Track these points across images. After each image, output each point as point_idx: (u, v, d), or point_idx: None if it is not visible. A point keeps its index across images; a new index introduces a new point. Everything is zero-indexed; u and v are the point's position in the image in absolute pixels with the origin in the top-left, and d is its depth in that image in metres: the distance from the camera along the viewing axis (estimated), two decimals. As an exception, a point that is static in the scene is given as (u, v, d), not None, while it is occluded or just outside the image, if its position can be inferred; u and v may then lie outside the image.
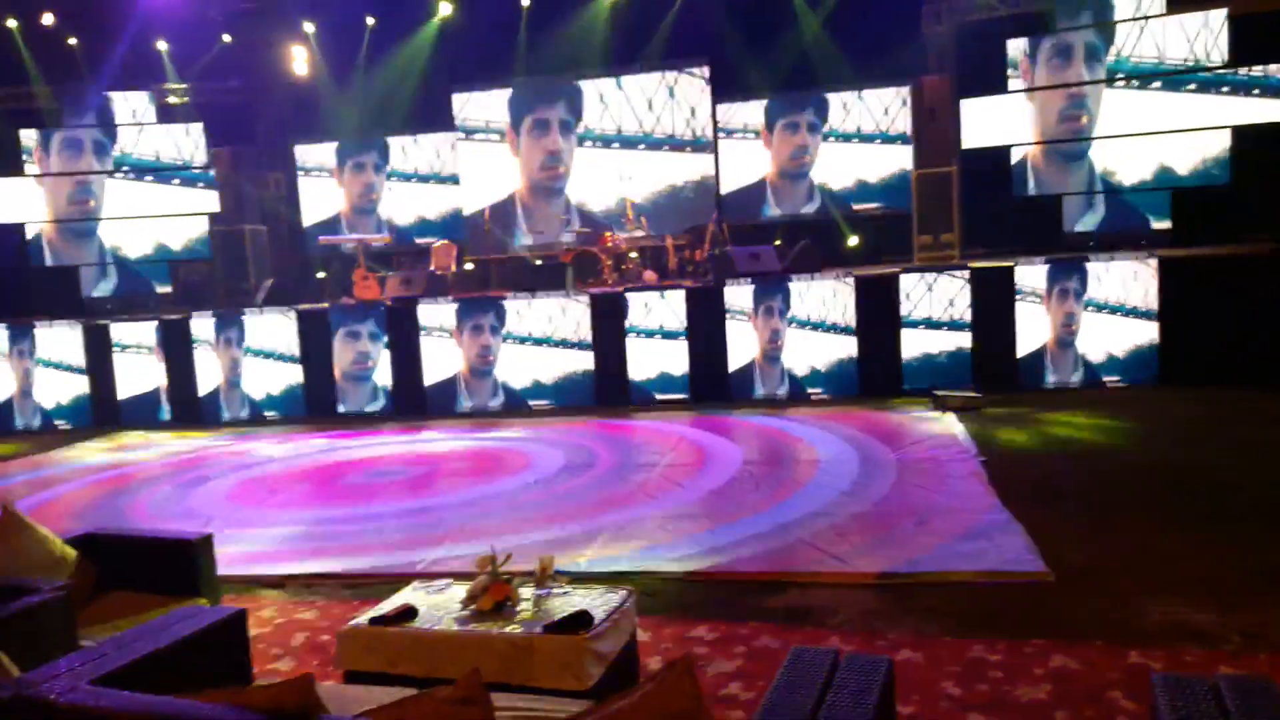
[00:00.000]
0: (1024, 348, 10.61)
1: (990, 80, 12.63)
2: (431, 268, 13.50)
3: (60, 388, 12.69)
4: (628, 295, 11.39)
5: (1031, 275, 10.60)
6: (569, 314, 11.47)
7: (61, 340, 12.65)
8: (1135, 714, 3.81)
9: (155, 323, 12.59)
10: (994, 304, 10.63)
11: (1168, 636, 4.48)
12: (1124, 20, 11.78)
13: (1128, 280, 10.39)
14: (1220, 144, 11.46)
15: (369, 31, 15.39)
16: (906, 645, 4.56)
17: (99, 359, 12.58)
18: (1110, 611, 4.81)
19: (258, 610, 5.54)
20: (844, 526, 6.43)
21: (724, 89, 14.62)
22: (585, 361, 11.51)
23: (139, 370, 12.54)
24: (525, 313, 11.58)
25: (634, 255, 13.02)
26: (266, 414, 12.29)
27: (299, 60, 15.54)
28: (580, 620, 3.74)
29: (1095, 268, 10.50)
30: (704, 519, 6.84)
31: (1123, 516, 6.29)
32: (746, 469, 8.15)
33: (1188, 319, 10.20)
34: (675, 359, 11.29)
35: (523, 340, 11.61)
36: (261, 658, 4.83)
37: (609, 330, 11.44)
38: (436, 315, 11.77)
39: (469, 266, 14.51)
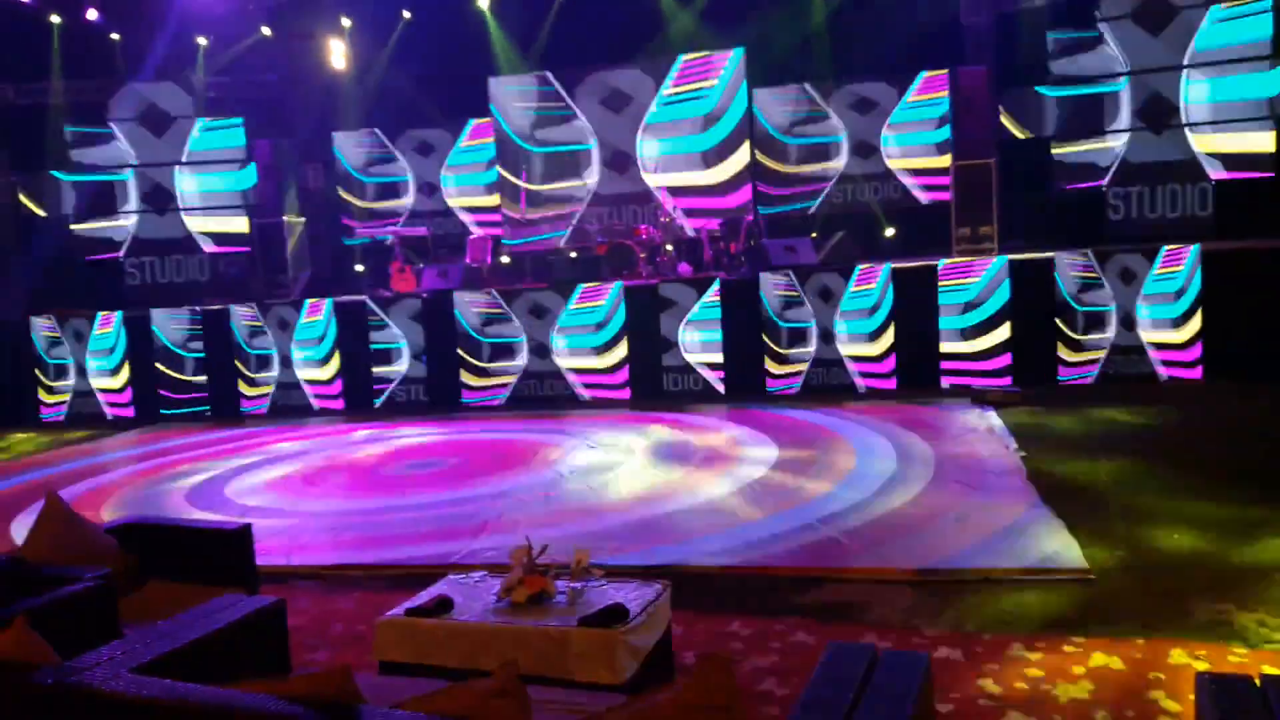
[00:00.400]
0: (1065, 341, 10.48)
1: (1031, 71, 12.47)
2: (467, 260, 13.54)
3: (99, 378, 12.88)
4: (663, 287, 11.38)
5: (1071, 267, 10.47)
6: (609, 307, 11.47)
7: (103, 331, 12.83)
8: (1178, 715, 3.75)
9: (195, 313, 12.73)
10: (1033, 296, 10.51)
11: (1212, 635, 4.41)
12: (1166, 8, 11.59)
13: (1170, 272, 10.23)
14: (1265, 136, 11.25)
15: (404, 24, 15.43)
16: (945, 642, 4.52)
17: (142, 350, 12.74)
18: (1152, 609, 4.74)
19: (295, 601, 5.57)
20: (881, 521, 6.38)
21: (757, 77, 14.49)
22: (621, 353, 11.51)
23: (179, 361, 12.69)
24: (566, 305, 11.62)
25: (669, 248, 12.99)
26: (307, 405, 12.39)
27: (336, 53, 15.61)
28: (615, 614, 3.74)
29: (1136, 259, 10.34)
30: (738, 513, 6.82)
31: (1166, 513, 6.19)
32: (782, 462, 8.11)
33: (1231, 312, 10.01)
34: (710, 351, 11.26)
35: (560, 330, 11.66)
36: (299, 648, 4.86)
37: (645, 322, 11.42)
38: (473, 306, 11.83)
39: (505, 259, 14.53)
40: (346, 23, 15.58)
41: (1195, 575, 5.12)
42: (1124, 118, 12.04)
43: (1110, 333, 10.40)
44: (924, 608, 4.98)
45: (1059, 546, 5.64)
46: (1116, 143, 12.14)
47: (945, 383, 10.63)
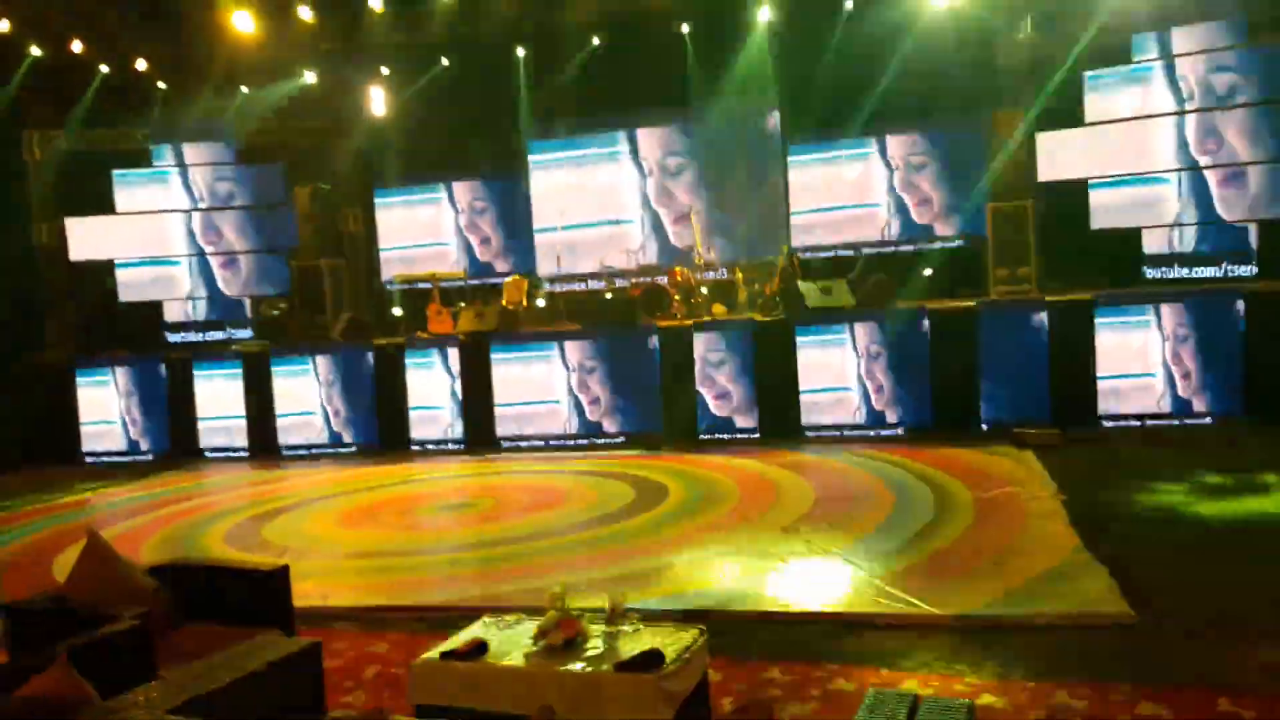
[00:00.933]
0: (1104, 383, 10.36)
1: (1066, 113, 12.44)
2: (503, 302, 13.63)
3: (143, 419, 13.04)
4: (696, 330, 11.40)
5: (1112, 309, 10.37)
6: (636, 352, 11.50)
7: (145, 373, 13.02)
8: (1230, 766, 3.66)
9: (235, 357, 12.90)
10: (1073, 338, 10.41)
11: (1261, 684, 4.30)
12: (1201, 51, 11.54)
13: (1211, 314, 10.11)
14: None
15: (443, 73, 15.69)
16: (987, 689, 4.43)
17: (181, 392, 12.91)
18: (1199, 657, 4.64)
19: (331, 642, 5.57)
20: (920, 566, 6.30)
21: (795, 122, 14.58)
22: (654, 395, 11.50)
23: (219, 403, 12.83)
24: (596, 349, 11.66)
25: (704, 290, 13.01)
26: (341, 447, 12.47)
27: (377, 101, 15.87)
28: (651, 659, 3.70)
29: (1175, 303, 10.23)
30: (774, 558, 6.75)
31: (1211, 557, 6.07)
32: (819, 506, 8.04)
33: (1274, 353, 9.87)
34: (743, 393, 11.24)
35: (591, 372, 11.68)
36: (334, 690, 4.85)
37: (678, 365, 11.43)
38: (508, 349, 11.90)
39: (540, 302, 14.61)
40: (385, 71, 15.85)
41: (1245, 622, 5.00)
42: (1163, 158, 11.95)
43: (1156, 372, 10.27)
44: (965, 654, 4.90)
45: (1102, 590, 5.53)
46: (1156, 184, 12.06)
47: (983, 424, 10.54)
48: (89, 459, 13.10)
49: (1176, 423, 10.18)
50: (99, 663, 3.39)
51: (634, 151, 14.93)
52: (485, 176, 15.85)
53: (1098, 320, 10.38)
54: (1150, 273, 12.05)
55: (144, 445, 13.10)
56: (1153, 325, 10.32)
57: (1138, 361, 10.31)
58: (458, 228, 15.94)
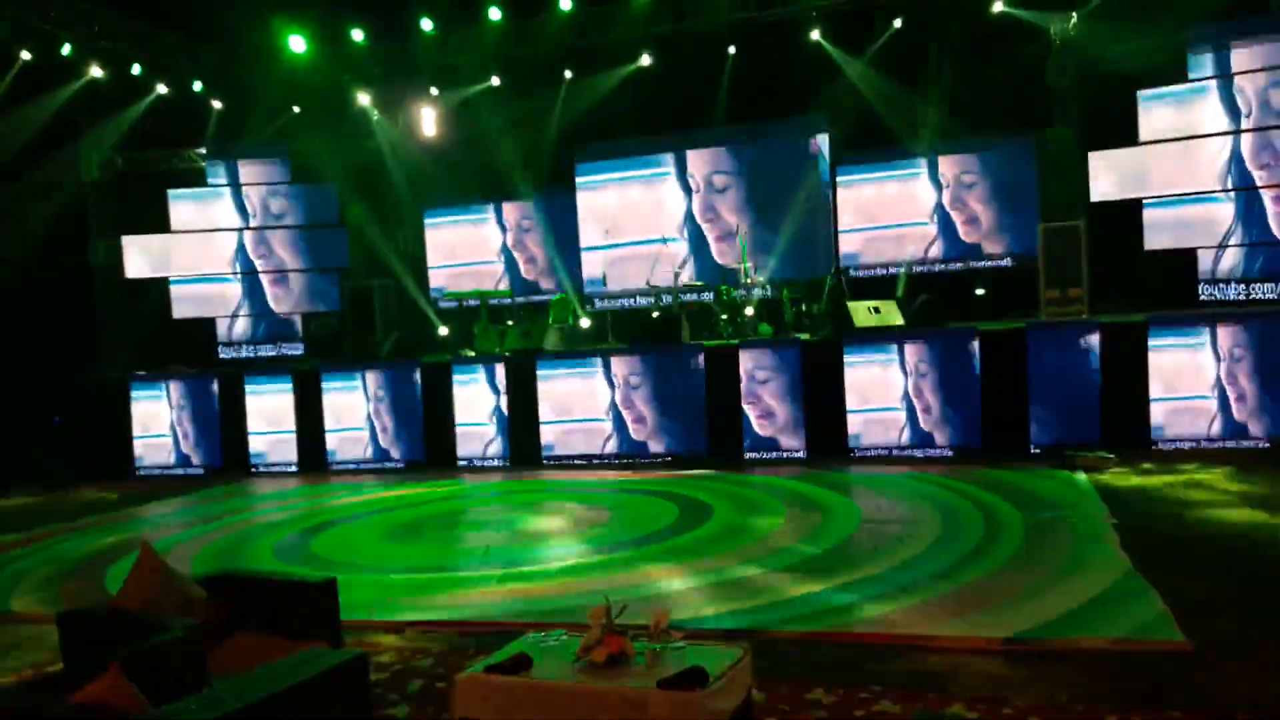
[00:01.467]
0: (1158, 405, 10.19)
1: (1119, 131, 12.30)
2: (550, 320, 13.70)
3: (195, 434, 13.26)
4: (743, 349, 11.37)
5: (1164, 330, 10.21)
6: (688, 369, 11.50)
7: (197, 389, 13.24)
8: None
9: (288, 374, 13.08)
10: (1125, 360, 10.27)
11: (1323, 716, 4.19)
12: (1252, 70, 11.36)
13: (1268, 335, 9.91)
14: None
15: (493, 94, 15.88)
16: (1035, 714, 4.36)
17: (233, 408, 13.11)
18: (1254, 686, 4.53)
19: (376, 655, 5.62)
20: (969, 589, 6.22)
21: (844, 142, 14.60)
22: (699, 414, 11.49)
23: (270, 419, 13.01)
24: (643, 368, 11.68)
25: (748, 309, 13.00)
26: (388, 462, 12.58)
27: (428, 121, 16.06)
28: (695, 677, 3.68)
29: (1230, 324, 10.06)
30: (822, 577, 6.70)
31: (1265, 585, 5.93)
32: (867, 527, 7.98)
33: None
34: (789, 412, 11.19)
35: (636, 389, 11.70)
36: (379, 703, 4.89)
37: (724, 383, 11.41)
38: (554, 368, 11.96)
39: (585, 322, 14.67)
40: (435, 91, 16.05)
41: (1303, 651, 4.89)
42: (1215, 178, 11.77)
43: (1210, 394, 10.08)
44: (1013, 679, 4.82)
45: (1154, 616, 5.43)
46: (1210, 204, 11.87)
47: (1034, 446, 10.41)
48: (141, 473, 13.33)
49: (1232, 444, 9.99)
50: (150, 671, 3.44)
51: (681, 170, 14.99)
52: (532, 196, 15.97)
53: (1151, 342, 10.23)
54: (1205, 292, 11.86)
55: (195, 459, 13.31)
56: (1207, 347, 10.15)
57: (1192, 383, 10.13)
58: (504, 246, 16.09)
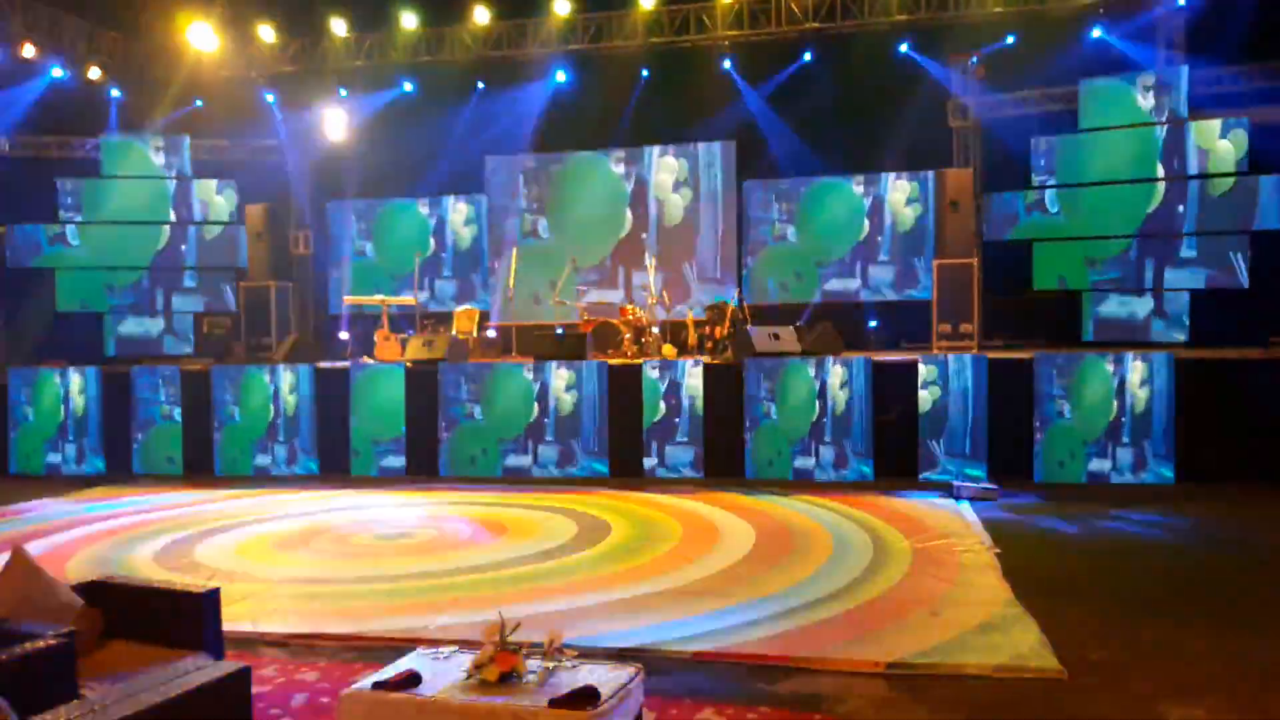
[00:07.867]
0: (1040, 440, 10.54)
1: (1014, 174, 12.79)
2: (453, 332, 13.57)
3: (77, 433, 12.73)
4: (645, 367, 11.43)
5: (1048, 368, 10.58)
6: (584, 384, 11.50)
7: (81, 386, 12.73)
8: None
9: (175, 372, 12.65)
10: (1011, 395, 10.60)
11: (1185, 743, 4.37)
12: (1152, 123, 11.92)
13: (1145, 377, 10.35)
14: (1240, 247, 11.57)
15: (402, 96, 15.77)
16: (914, 738, 4.46)
17: (117, 406, 12.63)
18: (1124, 712, 4.71)
19: (259, 668, 5.47)
20: (856, 612, 6.34)
21: (748, 168, 14.86)
22: (601, 430, 11.49)
23: (155, 419, 12.58)
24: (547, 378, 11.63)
25: (654, 330, 13.08)
26: (281, 471, 12.27)
27: (334, 122, 15.83)
28: (586, 696, 3.69)
29: (1113, 364, 10.47)
30: (714, 598, 6.76)
31: (1138, 614, 6.18)
32: (759, 549, 8.07)
33: (1206, 418, 10.18)
34: (687, 434, 11.27)
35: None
36: (261, 717, 4.76)
37: (625, 402, 11.44)
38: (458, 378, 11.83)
39: (490, 333, 14.59)
40: (344, 93, 15.85)
41: (1168, 678, 5.09)
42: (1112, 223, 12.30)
43: (1092, 431, 10.46)
44: (897, 701, 4.93)
45: (1032, 644, 5.61)
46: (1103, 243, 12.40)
47: (922, 475, 10.68)
48: (14, 472, 12.76)
49: (1113, 479, 10.38)
50: (19, 682, 3.31)
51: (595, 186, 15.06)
52: (440, 203, 15.86)
53: (1036, 376, 10.58)
54: (1091, 332, 12.35)
55: (76, 459, 12.76)
56: (1091, 382, 10.52)
57: (1074, 419, 10.50)
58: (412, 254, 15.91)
